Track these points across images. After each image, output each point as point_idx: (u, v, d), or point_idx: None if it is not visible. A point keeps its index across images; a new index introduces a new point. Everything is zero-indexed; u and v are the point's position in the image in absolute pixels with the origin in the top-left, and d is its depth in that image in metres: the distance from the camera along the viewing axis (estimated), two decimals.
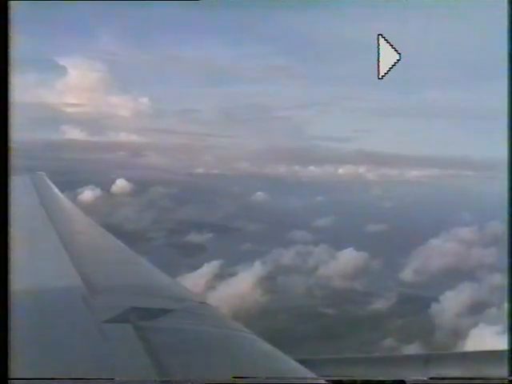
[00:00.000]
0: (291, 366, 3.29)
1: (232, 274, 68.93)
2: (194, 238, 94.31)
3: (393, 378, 4.62)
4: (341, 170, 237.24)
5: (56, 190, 11.26)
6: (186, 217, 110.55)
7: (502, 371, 4.43)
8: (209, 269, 69.18)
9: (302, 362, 3.57)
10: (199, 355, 3.12)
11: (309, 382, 3.00)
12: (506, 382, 3.58)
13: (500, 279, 70.28)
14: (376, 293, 67.02)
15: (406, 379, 4.61)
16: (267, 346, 3.54)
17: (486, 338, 44.35)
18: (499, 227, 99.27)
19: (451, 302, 61.61)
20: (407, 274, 74.10)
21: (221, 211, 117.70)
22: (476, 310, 60.14)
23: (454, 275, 72.03)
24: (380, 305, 63.78)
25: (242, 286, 64.88)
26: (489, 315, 57.22)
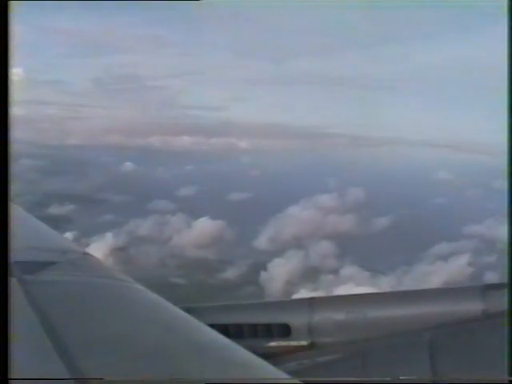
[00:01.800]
0: (179, 314, 3.23)
1: (84, 246, 67.25)
2: (56, 210, 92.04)
3: (278, 322, 5.01)
4: (213, 139, 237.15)
5: None
6: (51, 189, 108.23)
7: (381, 312, 4.84)
8: None
9: (188, 310, 3.55)
10: (85, 306, 3.04)
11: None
12: (506, 382, 3.39)
13: (348, 245, 72.01)
14: (228, 261, 66.80)
15: (290, 323, 4.96)
16: (153, 296, 3.43)
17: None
18: (360, 194, 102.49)
19: (285, 269, 62.03)
20: (261, 242, 74.20)
21: (88, 183, 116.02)
22: (311, 276, 60.75)
23: (304, 242, 72.75)
24: (230, 273, 63.59)
25: None
26: (321, 281, 58.21)
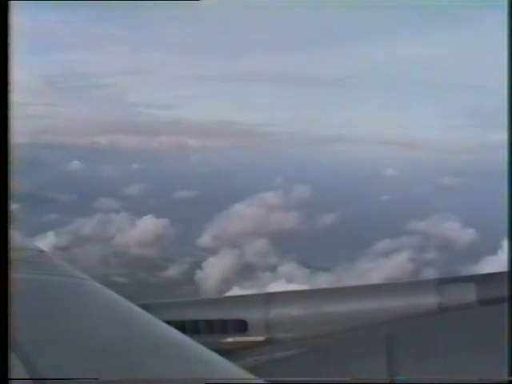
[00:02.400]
0: (135, 311, 3.28)
1: None
2: None
3: (234, 318, 5.06)
4: (163, 137, 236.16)
5: None
6: None
7: (338, 307, 4.97)
8: None
9: (144, 306, 3.58)
10: (42, 304, 3.03)
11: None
12: (505, 382, 3.50)
13: (291, 242, 72.49)
14: (170, 259, 66.79)
15: (246, 319, 5.02)
16: (110, 293, 3.52)
17: None
18: (305, 191, 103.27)
19: (225, 266, 62.40)
20: (204, 240, 74.04)
21: (33, 181, 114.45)
22: (250, 273, 61.36)
23: (246, 239, 73.37)
24: (172, 271, 63.59)
25: None
26: (258, 278, 58.74)
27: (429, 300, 4.87)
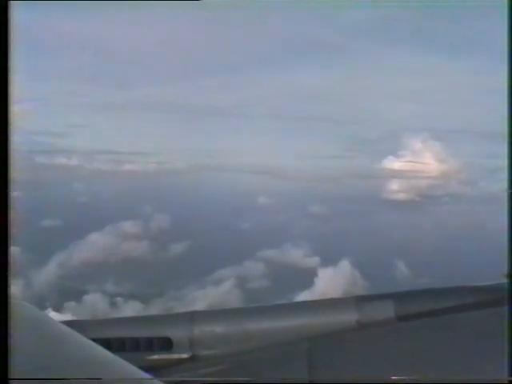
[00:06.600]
0: (61, 329, 3.42)
1: None
2: None
3: (160, 336, 5.08)
4: (52, 165, 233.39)
5: None
6: None
7: (260, 324, 5.09)
8: None
9: (70, 323, 3.80)
10: None
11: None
12: (506, 382, 3.58)
13: (128, 272, 74.78)
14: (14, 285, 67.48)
15: (171, 337, 5.06)
16: (36, 311, 3.69)
17: None
18: (166, 220, 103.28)
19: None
20: (52, 267, 76.19)
21: None
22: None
23: (88, 268, 76.32)
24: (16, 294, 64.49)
25: None
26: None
27: (348, 317, 5.01)
